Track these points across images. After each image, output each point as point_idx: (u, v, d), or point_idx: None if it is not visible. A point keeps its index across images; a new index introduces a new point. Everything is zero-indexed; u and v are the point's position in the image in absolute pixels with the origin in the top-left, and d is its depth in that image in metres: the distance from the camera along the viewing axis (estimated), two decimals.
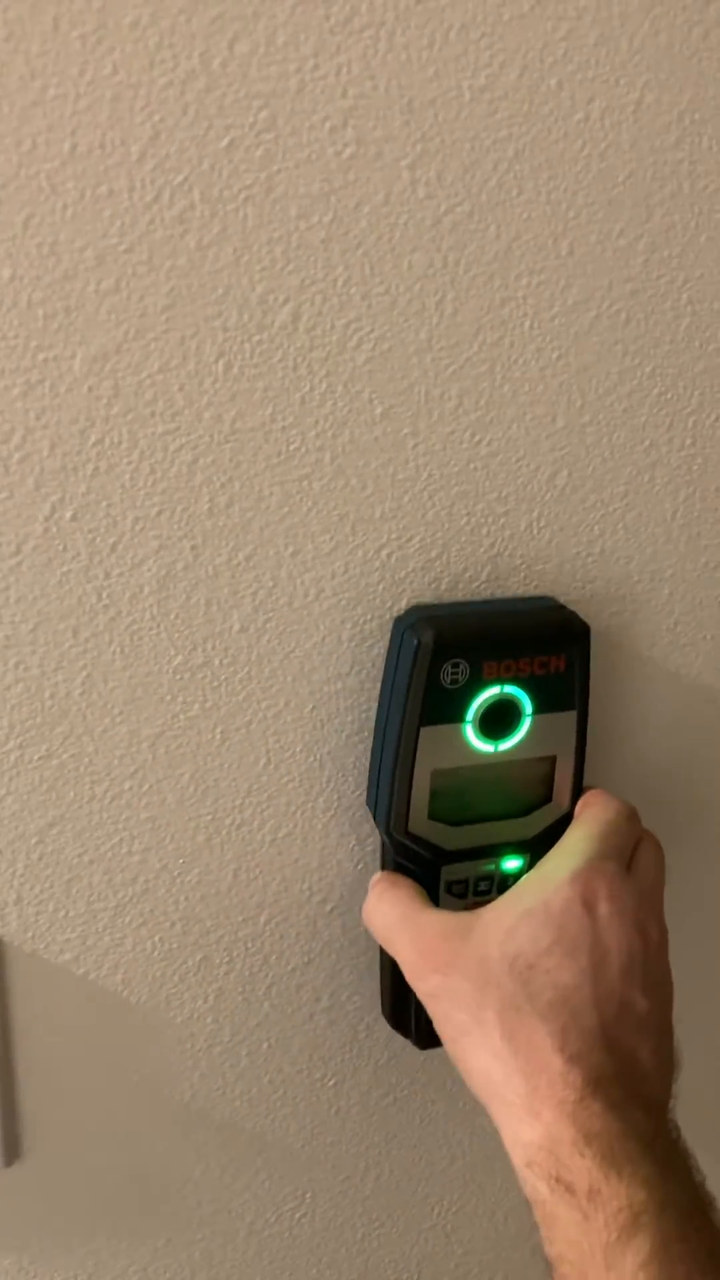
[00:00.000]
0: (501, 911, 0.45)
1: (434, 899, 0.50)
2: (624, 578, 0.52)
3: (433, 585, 0.49)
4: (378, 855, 0.52)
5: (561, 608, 0.50)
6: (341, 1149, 0.60)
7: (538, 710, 0.49)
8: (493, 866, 0.50)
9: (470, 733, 0.48)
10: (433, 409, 0.46)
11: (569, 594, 0.52)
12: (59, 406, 0.41)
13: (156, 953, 0.52)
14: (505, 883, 0.49)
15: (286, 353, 0.43)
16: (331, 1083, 0.58)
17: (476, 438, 0.47)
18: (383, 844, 0.51)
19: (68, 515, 0.43)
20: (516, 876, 0.49)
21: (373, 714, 0.50)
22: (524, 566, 0.50)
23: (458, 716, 0.47)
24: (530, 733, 0.49)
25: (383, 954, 0.53)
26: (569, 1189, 0.39)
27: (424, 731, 0.47)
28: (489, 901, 0.46)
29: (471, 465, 0.48)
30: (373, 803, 0.50)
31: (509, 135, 0.43)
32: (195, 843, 0.50)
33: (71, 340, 0.41)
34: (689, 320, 0.48)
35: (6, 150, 0.38)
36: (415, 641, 0.46)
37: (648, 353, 0.48)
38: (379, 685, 0.49)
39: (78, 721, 0.46)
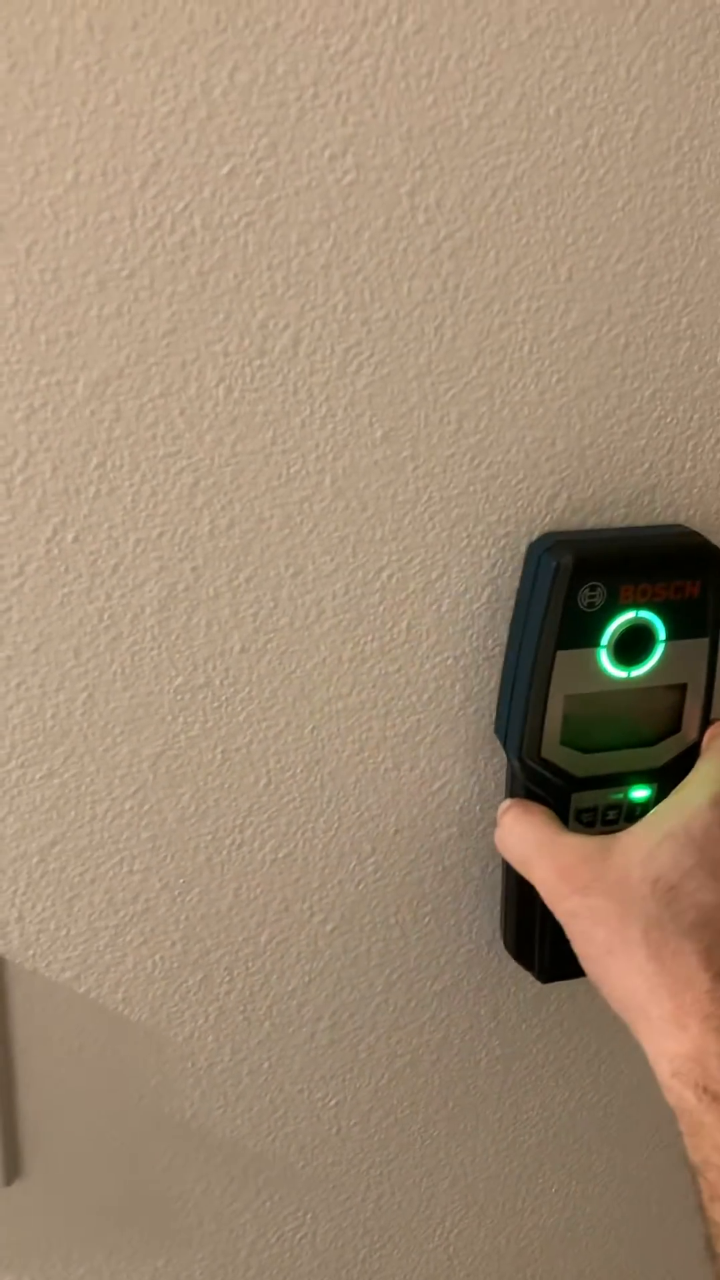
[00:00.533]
0: (642, 835, 0.45)
1: (563, 822, 0.50)
2: None
3: (433, 606, 0.49)
4: (383, 880, 0.53)
5: (694, 533, 0.49)
6: (342, 1169, 0.60)
7: (670, 637, 0.48)
8: (621, 795, 0.50)
9: (604, 658, 0.48)
10: (432, 432, 0.46)
11: None
12: (61, 430, 0.42)
13: (157, 971, 0.52)
14: (633, 812, 0.49)
15: (286, 377, 0.44)
16: (333, 1103, 0.58)
17: (476, 461, 0.48)
18: (510, 771, 0.51)
19: (69, 537, 0.43)
20: (644, 806, 0.49)
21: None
22: None
23: (593, 641, 0.47)
24: (662, 660, 0.48)
25: (507, 883, 0.53)
26: (715, 1098, 0.40)
27: (559, 656, 0.47)
28: (616, 831, 0.47)
29: (471, 488, 0.48)
30: (502, 730, 0.50)
31: (507, 162, 0.43)
32: (195, 862, 0.50)
33: (74, 365, 0.41)
34: (688, 345, 0.49)
35: (9, 178, 0.38)
36: (554, 563, 0.46)
37: (647, 376, 0.49)
38: (373, 706, 0.50)
39: (79, 741, 0.47)
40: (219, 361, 0.43)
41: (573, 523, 0.50)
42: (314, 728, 0.50)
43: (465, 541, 0.49)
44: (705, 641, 0.49)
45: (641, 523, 0.51)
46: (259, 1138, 0.57)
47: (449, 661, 0.51)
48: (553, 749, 0.49)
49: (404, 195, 0.43)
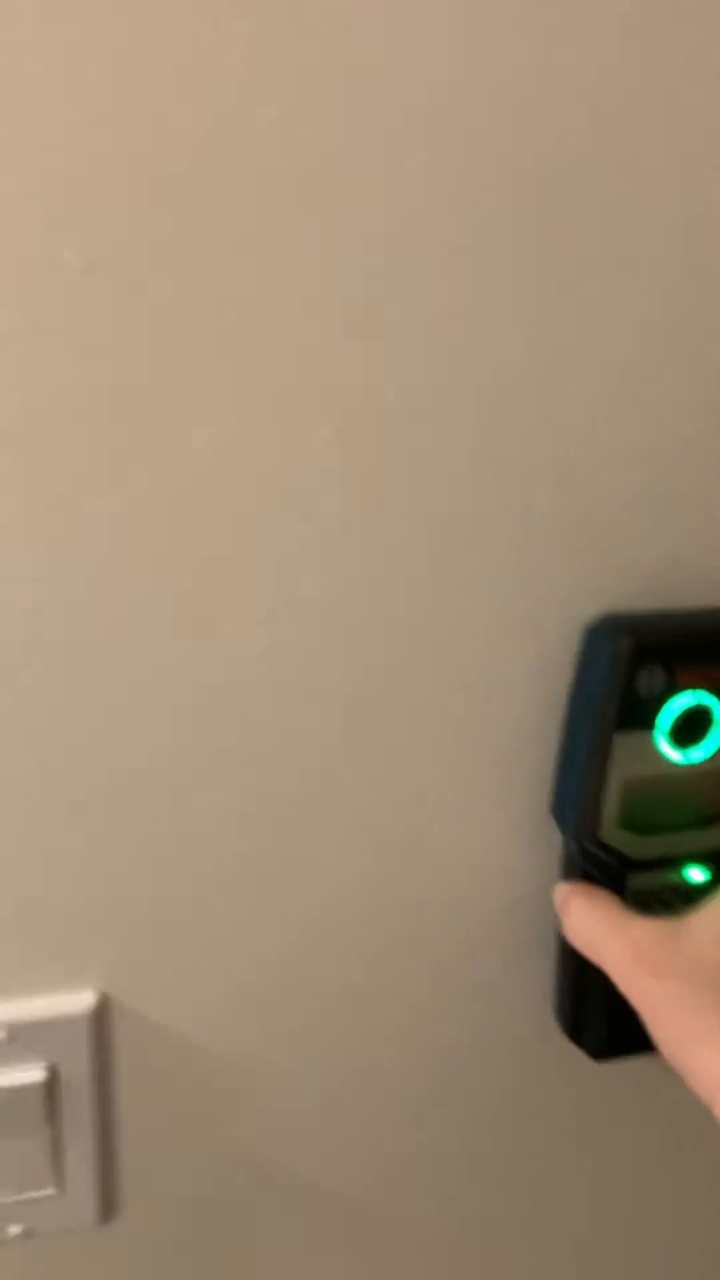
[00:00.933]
0: (715, 915, 0.45)
1: None
2: None
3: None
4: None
5: None
6: (434, 1231, 0.59)
7: None
8: (678, 877, 0.50)
9: (662, 741, 0.48)
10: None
11: None
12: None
13: (258, 1013, 0.51)
14: (690, 894, 0.49)
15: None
16: (431, 1152, 0.57)
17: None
18: (566, 852, 0.51)
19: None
20: (701, 888, 0.49)
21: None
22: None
23: (651, 724, 0.47)
24: None
25: (562, 965, 0.52)
26: None
27: (617, 739, 0.47)
28: (674, 914, 0.47)
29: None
30: (559, 810, 0.50)
31: None
32: (299, 905, 0.50)
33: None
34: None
35: None
36: (613, 647, 0.46)
37: None
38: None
39: (187, 780, 0.47)
40: None
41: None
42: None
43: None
44: None
45: (703, 604, 0.50)
46: (351, 1184, 0.57)
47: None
48: (610, 832, 0.49)
49: None
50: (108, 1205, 0.53)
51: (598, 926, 0.48)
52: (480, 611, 0.47)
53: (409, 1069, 0.55)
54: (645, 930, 0.46)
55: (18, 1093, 0.48)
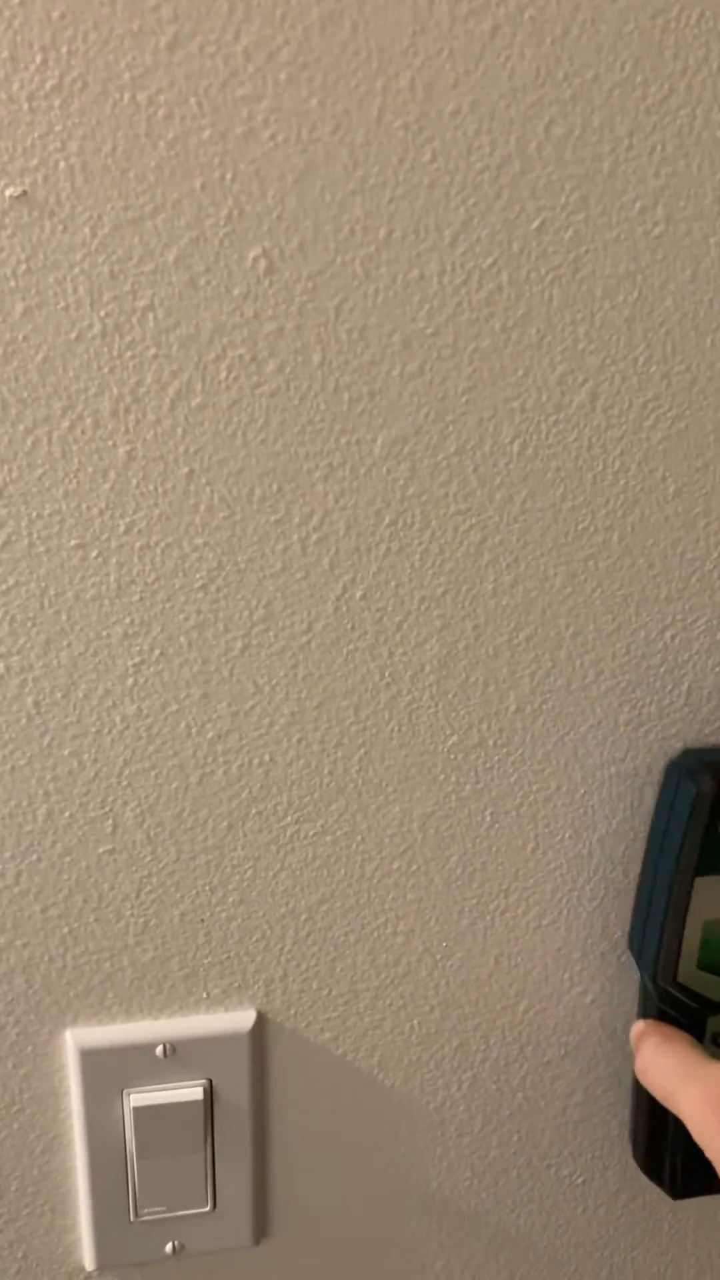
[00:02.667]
0: None
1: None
2: None
3: (715, 669, 0.47)
4: None
5: None
6: (585, 1251, 0.57)
7: None
8: None
9: None
10: None
11: None
12: (358, 489, 0.42)
13: (414, 1036, 0.50)
14: None
15: (581, 432, 0.43)
16: (580, 1180, 0.56)
17: None
18: (643, 989, 0.50)
19: (358, 595, 0.43)
20: None
21: (642, 815, 0.48)
22: None
23: None
24: None
25: (637, 1101, 0.52)
26: None
27: (698, 882, 0.46)
28: None
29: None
30: (637, 948, 0.49)
31: None
32: (459, 926, 0.49)
33: (374, 424, 0.41)
34: None
35: (325, 238, 0.38)
36: (694, 789, 0.45)
37: None
38: (652, 786, 0.48)
39: (353, 799, 0.46)
40: (515, 418, 0.42)
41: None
42: (585, 792, 0.48)
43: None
44: None
45: None
46: (503, 1213, 0.55)
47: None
48: (689, 974, 0.47)
49: (713, 246, 0.41)
50: (260, 1225, 0.52)
51: (672, 1070, 0.46)
52: (571, 686, 0.46)
53: (604, 1073, 0.53)
54: None
55: (177, 1109, 0.48)
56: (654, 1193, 0.56)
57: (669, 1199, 0.55)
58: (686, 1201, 0.56)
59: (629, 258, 0.41)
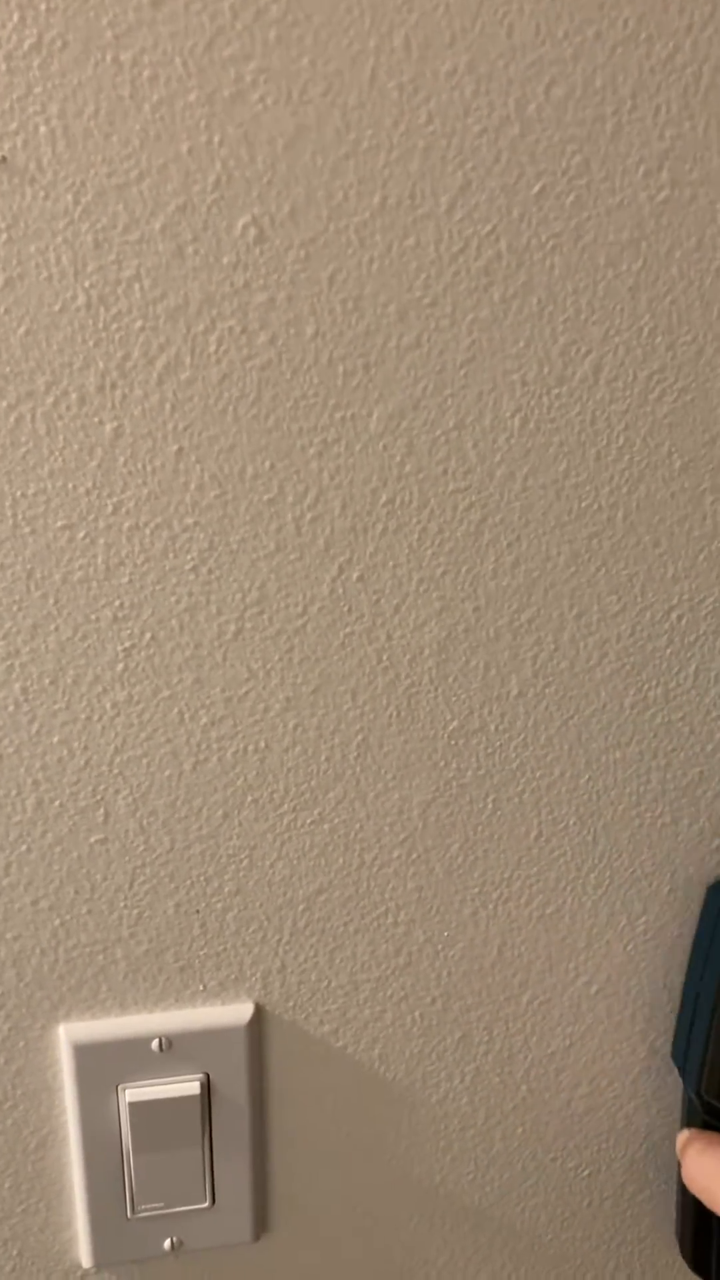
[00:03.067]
0: None
1: None
2: None
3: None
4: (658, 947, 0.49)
5: None
6: (592, 1244, 0.56)
7: None
8: None
9: None
10: None
11: None
12: (353, 466, 0.40)
13: (416, 1028, 0.49)
14: None
15: (585, 406, 0.41)
16: (585, 1173, 0.55)
17: None
18: (687, 1101, 0.50)
19: (354, 576, 0.42)
20: None
21: (648, 799, 0.47)
22: None
23: None
24: None
25: (683, 1205, 0.52)
26: None
27: None
28: None
29: None
30: (680, 1061, 0.50)
31: None
32: (461, 916, 0.48)
33: (369, 398, 0.39)
34: None
35: (318, 204, 0.37)
36: None
37: None
38: (658, 772, 0.47)
39: (351, 786, 0.45)
40: (516, 391, 0.40)
41: None
42: (589, 778, 0.47)
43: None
44: None
45: None
46: (507, 1206, 0.54)
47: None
48: None
49: None
50: (260, 1220, 0.51)
51: (714, 1177, 0.47)
52: (574, 668, 0.45)
53: (610, 1064, 0.52)
54: None
55: (174, 1104, 0.47)
56: (661, 1185, 0.55)
57: (676, 1192, 0.54)
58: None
59: (633, 224, 0.39)
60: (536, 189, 0.38)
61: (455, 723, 0.45)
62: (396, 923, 0.47)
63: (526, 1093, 0.52)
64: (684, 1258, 0.54)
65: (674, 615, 0.45)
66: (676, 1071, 0.52)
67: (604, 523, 0.43)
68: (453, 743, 0.45)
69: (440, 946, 0.48)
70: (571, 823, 0.47)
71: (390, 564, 0.42)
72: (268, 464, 0.40)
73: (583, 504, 0.43)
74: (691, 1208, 0.52)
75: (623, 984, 0.51)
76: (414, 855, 0.46)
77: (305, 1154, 0.51)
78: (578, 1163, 0.54)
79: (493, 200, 0.38)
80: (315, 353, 0.39)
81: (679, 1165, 0.51)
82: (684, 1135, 0.50)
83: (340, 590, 0.42)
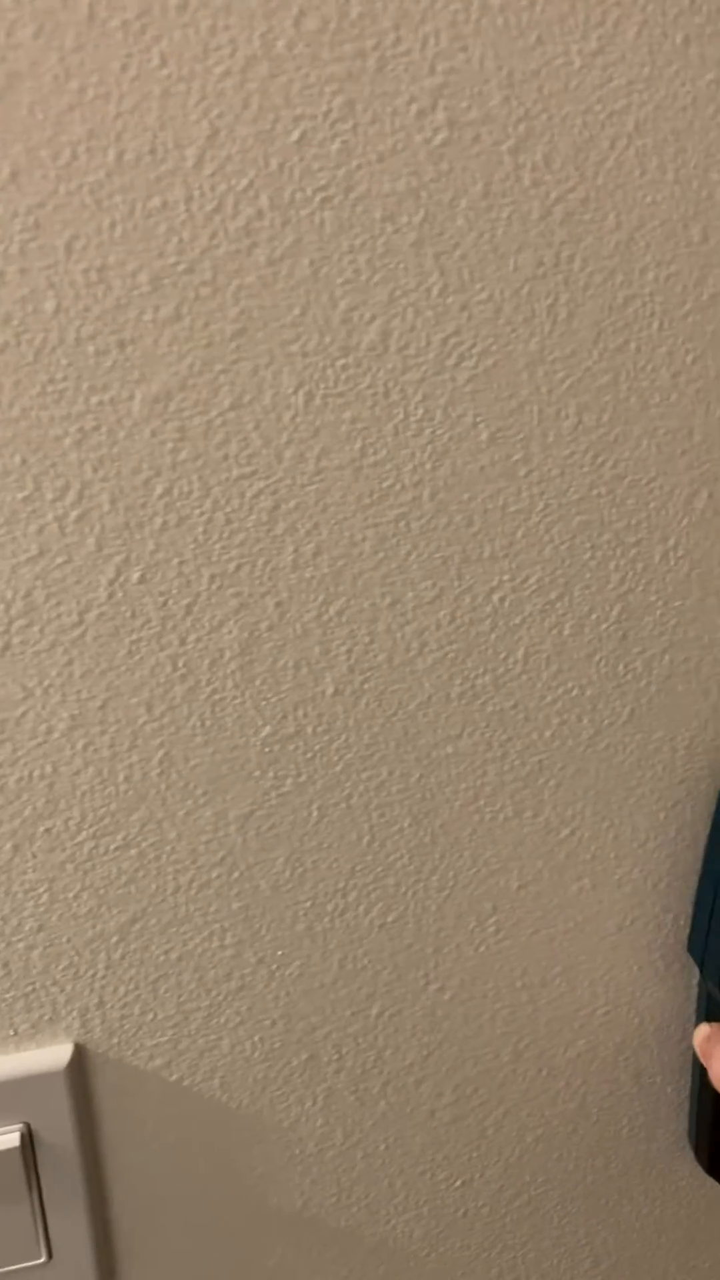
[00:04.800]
0: None
1: None
2: None
3: (554, 629, 0.43)
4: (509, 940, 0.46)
5: None
6: (471, 1254, 0.54)
7: None
8: None
9: None
10: (548, 430, 0.40)
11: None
12: (119, 455, 0.36)
13: (257, 1053, 0.46)
14: None
15: (375, 377, 0.37)
16: (458, 1184, 0.52)
17: (600, 459, 0.41)
18: (704, 992, 0.49)
19: (135, 577, 0.38)
20: None
21: (487, 794, 0.44)
22: (659, 604, 0.43)
23: None
24: None
25: (700, 1104, 0.51)
26: None
27: None
28: None
29: (595, 491, 0.41)
30: (699, 953, 0.48)
31: (627, 105, 0.36)
32: (294, 932, 0.44)
33: (129, 379, 0.35)
34: None
35: (43, 164, 0.33)
36: None
37: None
38: (495, 763, 0.43)
39: (157, 805, 0.41)
40: (297, 364, 0.37)
41: (716, 525, 0.43)
42: (421, 776, 0.44)
43: (588, 555, 0.42)
44: None
45: None
46: (378, 1225, 0.51)
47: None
48: None
49: (506, 154, 0.36)
50: (106, 1270, 0.48)
51: None
52: (393, 661, 0.42)
53: (473, 1071, 0.49)
54: None
55: None
56: (541, 1189, 0.53)
57: (543, 1194, 0.52)
58: (578, 1191, 0.53)
59: (409, 172, 0.35)
60: (296, 136, 0.34)
61: (268, 728, 0.41)
62: (224, 945, 0.44)
63: (386, 1107, 0.49)
64: (699, 1161, 0.53)
65: (496, 597, 0.42)
66: None
67: (410, 503, 0.39)
68: (267, 750, 0.41)
69: (275, 967, 0.45)
70: (406, 825, 0.44)
71: (175, 561, 0.38)
72: (18, 458, 0.35)
73: (384, 484, 0.39)
74: (709, 1108, 0.50)
75: (477, 989, 0.48)
76: (235, 873, 0.43)
77: (149, 1197, 0.47)
78: (449, 1174, 0.52)
79: (246, 151, 0.34)
80: (60, 331, 0.34)
81: (697, 1069, 0.49)
82: (704, 1032, 0.48)
83: (120, 594, 0.38)
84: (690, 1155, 0.55)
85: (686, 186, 0.38)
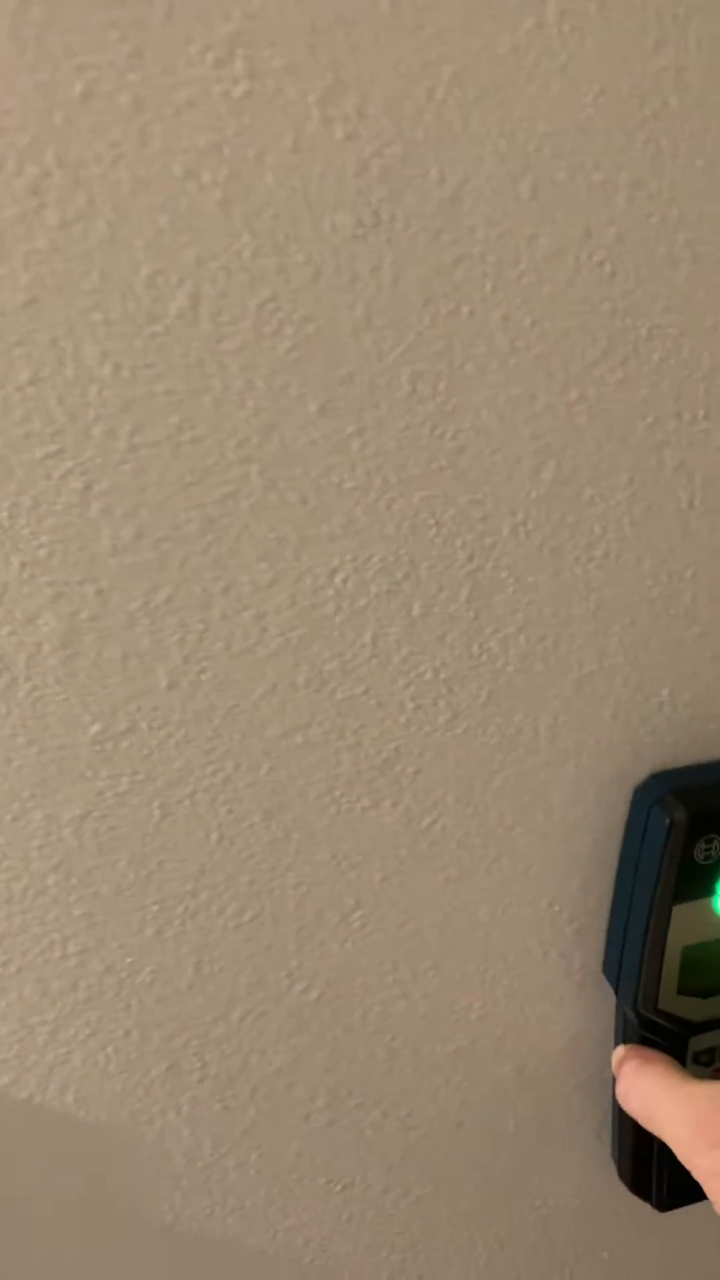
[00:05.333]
0: None
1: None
2: (636, 579, 0.44)
3: (402, 610, 0.41)
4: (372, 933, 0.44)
5: None
6: (359, 1258, 0.52)
7: None
8: None
9: None
10: (379, 401, 0.38)
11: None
12: None
13: (112, 1066, 0.44)
14: None
15: (189, 346, 0.35)
16: (339, 1188, 0.50)
17: (438, 430, 0.39)
18: (621, 1016, 0.49)
19: None
20: None
21: (342, 783, 0.42)
22: (511, 580, 0.42)
23: (710, 890, 0.45)
24: None
25: (621, 1125, 0.51)
26: None
27: (676, 910, 0.45)
28: None
29: (435, 464, 0.39)
30: (613, 976, 0.48)
31: (443, 55, 0.34)
32: (143, 937, 0.42)
33: None
34: (689, 267, 0.39)
35: None
36: (667, 819, 0.44)
37: (642, 310, 0.40)
38: (348, 751, 0.41)
39: None
40: (100, 334, 0.34)
41: (565, 496, 0.41)
42: (270, 768, 0.41)
43: (432, 531, 0.40)
44: None
45: None
46: (257, 1235, 0.50)
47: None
48: (670, 1000, 0.47)
49: (313, 106, 0.34)
50: None
51: (654, 1093, 0.44)
52: (231, 649, 0.40)
53: (349, 1072, 0.48)
54: (706, 1097, 0.42)
55: None
56: (416, 1194, 0.51)
57: (431, 1194, 0.50)
58: (468, 1189, 0.51)
59: (209, 125, 0.33)
60: (79, 89, 0.32)
61: (97, 726, 0.39)
62: (66, 955, 0.41)
63: (256, 1114, 0.47)
64: (622, 1180, 0.52)
65: (338, 579, 0.40)
66: None
67: (237, 481, 0.37)
68: (98, 748, 0.39)
69: (124, 974, 0.42)
70: (257, 820, 0.42)
71: None
72: None
73: (208, 461, 0.37)
74: (629, 1129, 0.50)
75: (345, 987, 0.46)
76: (74, 879, 0.40)
77: (8, 1220, 0.45)
78: (328, 1179, 0.50)
79: (26, 104, 0.31)
80: None
81: (614, 1084, 0.48)
82: (620, 1051, 0.48)
83: None
84: (608, 1164, 0.54)
85: (513, 140, 0.36)
